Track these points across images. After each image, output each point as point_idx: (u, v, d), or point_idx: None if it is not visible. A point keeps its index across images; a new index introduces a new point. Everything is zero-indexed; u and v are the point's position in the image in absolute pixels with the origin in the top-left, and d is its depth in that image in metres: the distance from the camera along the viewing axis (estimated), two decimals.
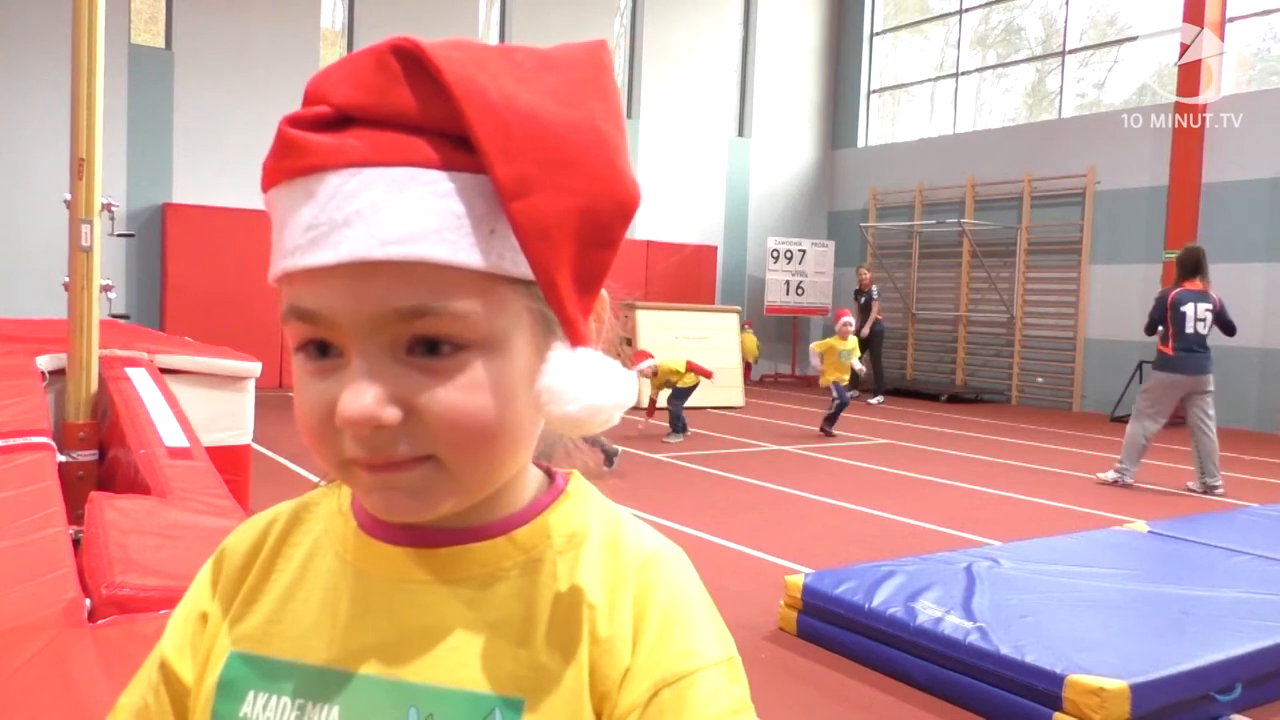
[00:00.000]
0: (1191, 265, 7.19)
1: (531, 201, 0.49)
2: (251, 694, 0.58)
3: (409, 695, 0.55)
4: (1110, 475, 7.41)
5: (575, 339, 0.52)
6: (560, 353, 0.52)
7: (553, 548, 0.58)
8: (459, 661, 0.55)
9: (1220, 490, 7.16)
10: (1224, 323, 7.16)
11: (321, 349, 0.52)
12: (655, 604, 0.56)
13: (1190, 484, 7.31)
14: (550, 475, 0.62)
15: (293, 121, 0.50)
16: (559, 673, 0.54)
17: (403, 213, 0.48)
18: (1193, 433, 7.16)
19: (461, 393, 0.50)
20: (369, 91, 0.49)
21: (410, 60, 0.49)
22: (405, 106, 0.49)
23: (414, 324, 0.49)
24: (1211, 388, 7.06)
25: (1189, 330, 6.98)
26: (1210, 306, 7.06)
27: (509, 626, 0.55)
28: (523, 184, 0.49)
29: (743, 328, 14.15)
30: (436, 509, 0.53)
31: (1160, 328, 7.17)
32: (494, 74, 0.49)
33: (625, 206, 0.52)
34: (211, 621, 0.62)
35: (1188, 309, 7.00)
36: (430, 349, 0.50)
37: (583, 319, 0.52)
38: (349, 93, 0.50)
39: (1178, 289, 7.14)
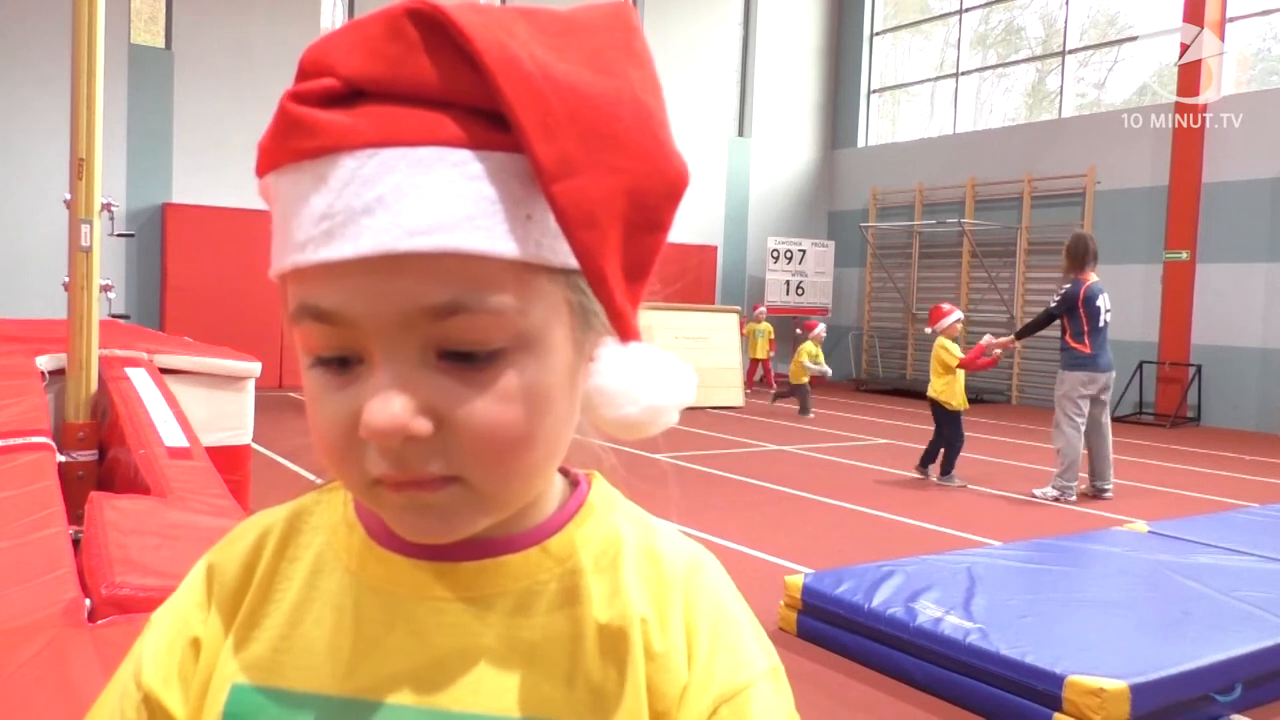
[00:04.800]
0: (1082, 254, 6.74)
1: (576, 183, 0.44)
2: None
3: None
4: (1050, 492, 6.76)
5: (626, 333, 0.47)
6: (612, 349, 0.47)
7: (589, 558, 0.53)
8: (504, 686, 0.50)
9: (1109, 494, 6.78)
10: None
11: (342, 363, 0.46)
12: (704, 615, 0.53)
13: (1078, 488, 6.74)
14: (567, 475, 0.57)
15: (296, 97, 0.44)
16: (617, 692, 0.50)
17: (430, 198, 0.43)
18: (1095, 432, 6.78)
19: (499, 404, 0.45)
20: (383, 61, 0.44)
21: (430, 26, 0.43)
22: (426, 78, 0.43)
23: (446, 322, 0.44)
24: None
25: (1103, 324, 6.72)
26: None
27: (556, 645, 0.51)
28: (565, 164, 0.43)
29: (755, 319, 14.02)
30: (469, 529, 0.48)
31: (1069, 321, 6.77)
32: (523, 41, 0.44)
33: (675, 185, 0.48)
34: (207, 648, 0.55)
35: (1101, 301, 6.70)
36: (464, 352, 0.45)
37: (633, 311, 0.47)
38: (360, 63, 0.44)
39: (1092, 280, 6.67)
